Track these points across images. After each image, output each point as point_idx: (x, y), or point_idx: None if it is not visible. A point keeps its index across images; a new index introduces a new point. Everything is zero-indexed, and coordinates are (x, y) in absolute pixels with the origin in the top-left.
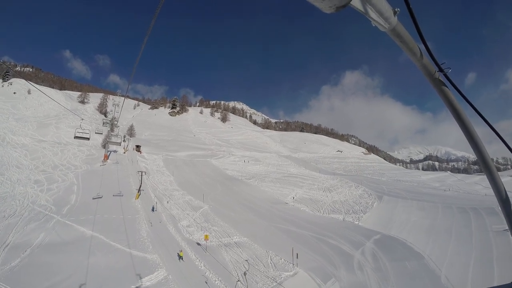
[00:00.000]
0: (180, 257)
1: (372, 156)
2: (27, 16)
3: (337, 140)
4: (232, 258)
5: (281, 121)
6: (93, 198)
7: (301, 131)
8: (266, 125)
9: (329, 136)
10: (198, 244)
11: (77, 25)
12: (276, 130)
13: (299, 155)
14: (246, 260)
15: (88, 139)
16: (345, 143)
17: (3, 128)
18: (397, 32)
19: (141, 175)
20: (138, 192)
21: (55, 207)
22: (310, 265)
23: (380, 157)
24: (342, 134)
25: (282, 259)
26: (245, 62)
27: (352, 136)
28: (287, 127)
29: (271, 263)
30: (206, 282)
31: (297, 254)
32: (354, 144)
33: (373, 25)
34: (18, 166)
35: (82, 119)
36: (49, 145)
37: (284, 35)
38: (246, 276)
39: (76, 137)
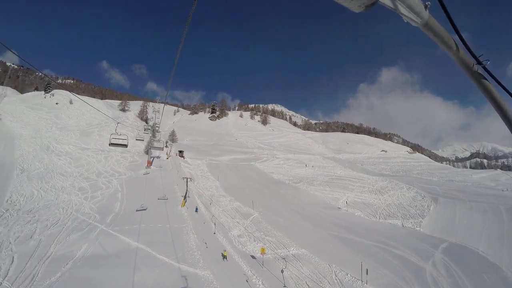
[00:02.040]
0: (224, 257)
1: (418, 155)
2: (66, 30)
3: (381, 140)
4: (292, 274)
5: (321, 122)
6: (136, 210)
7: (342, 131)
8: (306, 127)
9: (371, 136)
10: (253, 257)
11: (112, 36)
12: (317, 131)
13: (343, 156)
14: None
15: (126, 145)
16: (389, 142)
17: (47, 137)
18: (430, 26)
19: (187, 182)
20: (184, 199)
21: (99, 215)
22: (381, 282)
23: (425, 155)
24: (384, 133)
25: (348, 275)
26: (280, 64)
27: (395, 135)
28: (328, 127)
29: (336, 279)
30: None
31: (367, 269)
32: (397, 143)
33: (405, 21)
34: (63, 173)
35: (118, 122)
36: (93, 152)
37: (318, 36)
38: None
39: (111, 144)
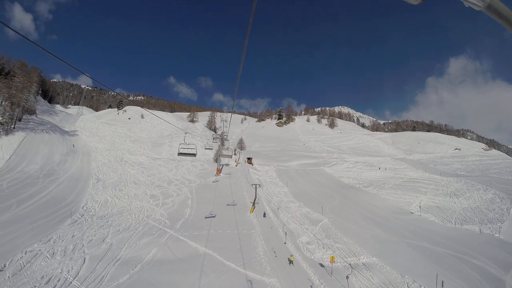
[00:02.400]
0: (291, 262)
1: (494, 152)
2: (136, 52)
3: (453, 137)
4: (362, 285)
5: (390, 121)
6: (205, 217)
7: (412, 130)
8: (375, 127)
9: (443, 133)
10: (321, 265)
11: (177, 53)
12: (386, 131)
13: (414, 156)
14: None
15: (195, 155)
16: (462, 139)
17: (122, 149)
18: (494, 8)
19: (256, 188)
20: (253, 205)
21: (169, 221)
22: None
23: (503, 152)
24: (457, 130)
25: (422, 287)
26: (344, 66)
27: (468, 130)
28: (397, 127)
29: None
30: None
31: (442, 282)
32: (471, 139)
33: (467, 6)
34: (136, 182)
35: (186, 132)
36: (164, 162)
37: (380, 35)
38: None
39: (180, 154)
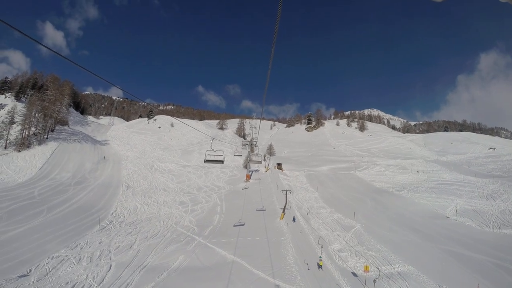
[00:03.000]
0: (320, 266)
1: None
2: (164, 61)
3: (487, 136)
4: None
5: (421, 122)
6: (234, 225)
7: (444, 130)
8: (405, 129)
9: (476, 132)
10: (354, 274)
11: (205, 62)
12: (417, 133)
13: (447, 158)
14: None
15: (222, 162)
16: (496, 137)
17: (152, 157)
18: None
19: (286, 194)
20: (283, 212)
21: (198, 228)
22: None
23: None
24: (491, 128)
25: None
26: (371, 68)
27: (502, 128)
28: (429, 128)
29: None
30: None
31: None
32: (505, 138)
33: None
34: (165, 189)
35: (213, 138)
36: (193, 169)
37: (404, 34)
38: None
39: (207, 161)
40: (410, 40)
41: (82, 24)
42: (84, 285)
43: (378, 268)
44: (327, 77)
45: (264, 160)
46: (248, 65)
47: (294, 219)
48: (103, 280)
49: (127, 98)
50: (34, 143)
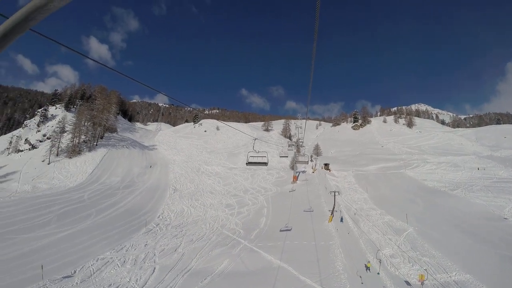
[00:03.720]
0: (367, 268)
1: None
2: (207, 67)
3: None
4: None
5: (471, 116)
6: (280, 230)
7: (497, 123)
8: (455, 124)
9: None
10: (408, 283)
11: (247, 65)
12: (467, 127)
13: (501, 153)
14: None
15: (266, 163)
16: None
17: (198, 161)
18: None
19: (334, 195)
20: (331, 214)
21: (244, 231)
22: None
23: None
24: None
25: None
26: (416, 62)
27: None
28: (480, 121)
29: None
30: None
31: None
32: None
33: None
34: (212, 191)
35: (255, 139)
36: (240, 171)
37: (447, 25)
38: None
39: (249, 164)
40: (454, 31)
41: (125, 36)
42: (126, 287)
43: (432, 276)
44: (371, 73)
45: (311, 160)
46: (290, 66)
47: (341, 220)
48: (145, 283)
49: (173, 104)
50: (85, 149)
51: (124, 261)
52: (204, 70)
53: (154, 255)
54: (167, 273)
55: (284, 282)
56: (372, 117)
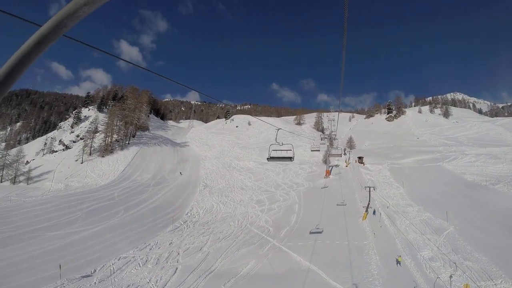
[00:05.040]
0: (398, 262)
1: None
2: (237, 63)
3: None
4: None
5: (509, 104)
6: (310, 232)
7: None
8: (493, 112)
9: None
10: None
11: (276, 60)
12: (506, 116)
13: None
14: None
15: (291, 158)
16: None
17: (230, 156)
18: None
19: (369, 191)
20: (365, 211)
21: (273, 228)
22: None
23: None
24: None
25: None
26: (450, 49)
27: None
28: None
29: None
30: None
31: None
32: None
33: None
34: (242, 187)
35: (279, 129)
36: (272, 166)
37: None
38: None
39: (271, 159)
40: (491, 15)
41: (154, 37)
42: None
43: (475, 284)
44: (404, 62)
45: (344, 154)
46: (319, 58)
47: (374, 212)
48: (165, 285)
49: (204, 101)
50: (117, 148)
51: (146, 261)
52: (234, 66)
53: (178, 254)
54: (189, 274)
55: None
56: (406, 107)
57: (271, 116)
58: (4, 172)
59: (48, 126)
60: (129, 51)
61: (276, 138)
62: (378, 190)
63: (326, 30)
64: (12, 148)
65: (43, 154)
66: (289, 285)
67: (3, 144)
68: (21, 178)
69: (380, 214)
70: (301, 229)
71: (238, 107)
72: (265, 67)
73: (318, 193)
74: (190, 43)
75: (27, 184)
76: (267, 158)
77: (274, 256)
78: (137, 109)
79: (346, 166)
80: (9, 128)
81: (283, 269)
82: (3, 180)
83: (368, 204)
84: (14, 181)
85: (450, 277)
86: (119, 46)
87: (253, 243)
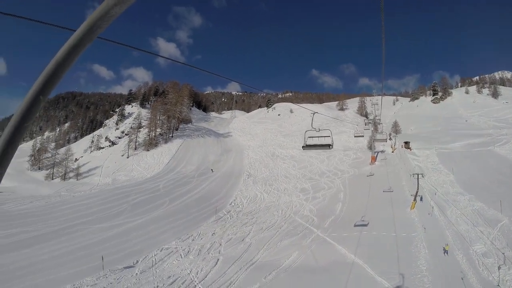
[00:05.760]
0: (445, 252)
1: None
2: (276, 51)
3: None
4: None
5: None
6: (355, 225)
7: None
8: None
9: None
10: None
11: (314, 45)
12: None
13: None
14: None
15: (330, 146)
16: None
17: (273, 145)
18: None
19: (418, 178)
20: (414, 200)
21: (318, 218)
22: None
23: None
24: None
25: None
26: (495, 23)
27: None
28: None
29: None
30: None
31: None
32: None
33: None
34: (287, 176)
35: (314, 112)
36: (315, 153)
37: None
38: None
39: (307, 147)
40: None
41: (190, 32)
42: (185, 280)
43: None
44: (446, 41)
45: (390, 139)
46: (359, 42)
47: (421, 199)
48: (206, 276)
49: (245, 92)
50: (161, 142)
51: (188, 252)
52: (273, 55)
53: (220, 245)
54: (230, 266)
55: (357, 284)
56: (452, 88)
57: (313, 103)
58: (54, 170)
59: (94, 125)
60: (166, 47)
61: (311, 123)
62: (427, 177)
63: (365, 13)
64: (62, 147)
65: (91, 151)
66: (332, 279)
67: (53, 144)
68: (71, 174)
69: (431, 204)
70: (347, 218)
71: (280, 95)
72: (304, 54)
73: (364, 181)
74: (226, 35)
75: (77, 180)
76: (303, 147)
77: (317, 247)
78: (179, 103)
79: (392, 152)
80: (58, 129)
81: (327, 261)
82: (54, 177)
83: (417, 192)
84: (64, 177)
85: (498, 268)
86: (156, 44)
87: (296, 234)
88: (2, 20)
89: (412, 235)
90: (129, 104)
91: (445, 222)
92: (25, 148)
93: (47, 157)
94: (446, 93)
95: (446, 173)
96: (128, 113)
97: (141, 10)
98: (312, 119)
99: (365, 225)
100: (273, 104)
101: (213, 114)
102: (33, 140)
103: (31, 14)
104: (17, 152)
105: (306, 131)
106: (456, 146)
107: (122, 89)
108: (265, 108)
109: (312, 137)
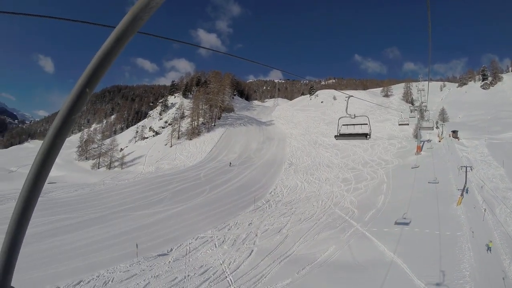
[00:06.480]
0: (489, 248)
1: None
2: (317, 37)
3: None
4: None
5: None
6: (395, 223)
7: None
8: None
9: None
10: None
11: (356, 29)
12: None
13: None
14: None
15: (367, 135)
16: None
17: (316, 133)
18: None
19: (466, 171)
20: (461, 195)
21: (358, 210)
22: None
23: None
24: None
25: None
26: None
27: None
28: None
29: None
30: None
31: None
32: None
33: None
34: (329, 165)
35: (349, 96)
36: (359, 142)
37: None
38: None
39: (340, 136)
40: None
41: (230, 22)
42: (216, 271)
43: None
44: (493, 21)
45: (437, 127)
46: (403, 24)
47: (467, 191)
48: (238, 268)
49: (288, 79)
50: (203, 131)
51: (223, 241)
52: (315, 41)
53: (256, 235)
54: (263, 258)
55: (394, 284)
56: (502, 73)
57: (356, 89)
58: (100, 160)
59: (139, 116)
60: (207, 38)
61: (346, 109)
62: (475, 169)
63: None
64: (108, 138)
65: (135, 141)
66: (368, 278)
67: (100, 135)
68: (116, 164)
69: (478, 200)
70: (388, 212)
71: (323, 82)
72: (345, 39)
73: (408, 172)
74: (266, 23)
75: (121, 168)
76: (335, 136)
77: (356, 242)
78: (221, 92)
79: (439, 141)
80: (105, 121)
81: (365, 257)
82: (100, 166)
83: (464, 186)
84: (109, 167)
85: None
86: (197, 35)
87: (335, 227)
88: (48, 23)
89: (457, 234)
90: (172, 95)
91: (494, 221)
92: (73, 140)
93: (94, 148)
94: (496, 78)
95: (496, 166)
96: (171, 103)
97: (180, 2)
98: (347, 104)
99: (407, 224)
100: (316, 91)
101: (255, 102)
102: (81, 132)
103: (73, 15)
104: (66, 144)
105: (339, 118)
106: (508, 136)
107: (166, 81)
108: (308, 95)
109: (347, 124)
